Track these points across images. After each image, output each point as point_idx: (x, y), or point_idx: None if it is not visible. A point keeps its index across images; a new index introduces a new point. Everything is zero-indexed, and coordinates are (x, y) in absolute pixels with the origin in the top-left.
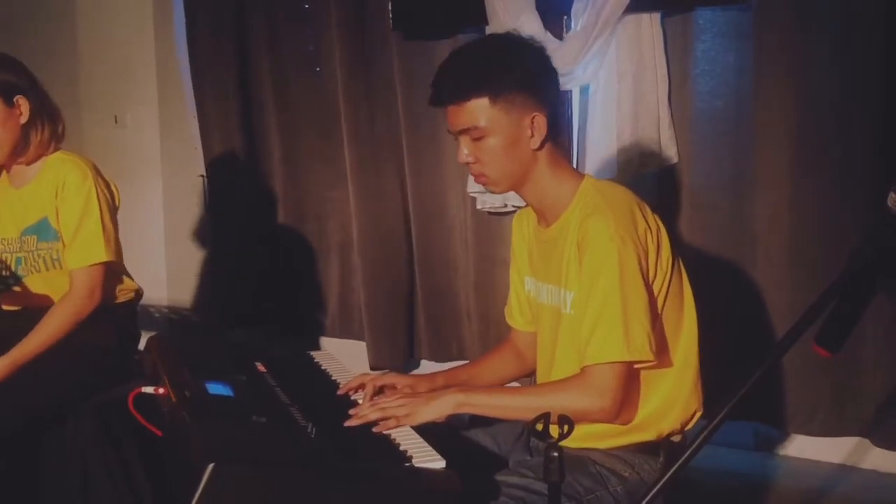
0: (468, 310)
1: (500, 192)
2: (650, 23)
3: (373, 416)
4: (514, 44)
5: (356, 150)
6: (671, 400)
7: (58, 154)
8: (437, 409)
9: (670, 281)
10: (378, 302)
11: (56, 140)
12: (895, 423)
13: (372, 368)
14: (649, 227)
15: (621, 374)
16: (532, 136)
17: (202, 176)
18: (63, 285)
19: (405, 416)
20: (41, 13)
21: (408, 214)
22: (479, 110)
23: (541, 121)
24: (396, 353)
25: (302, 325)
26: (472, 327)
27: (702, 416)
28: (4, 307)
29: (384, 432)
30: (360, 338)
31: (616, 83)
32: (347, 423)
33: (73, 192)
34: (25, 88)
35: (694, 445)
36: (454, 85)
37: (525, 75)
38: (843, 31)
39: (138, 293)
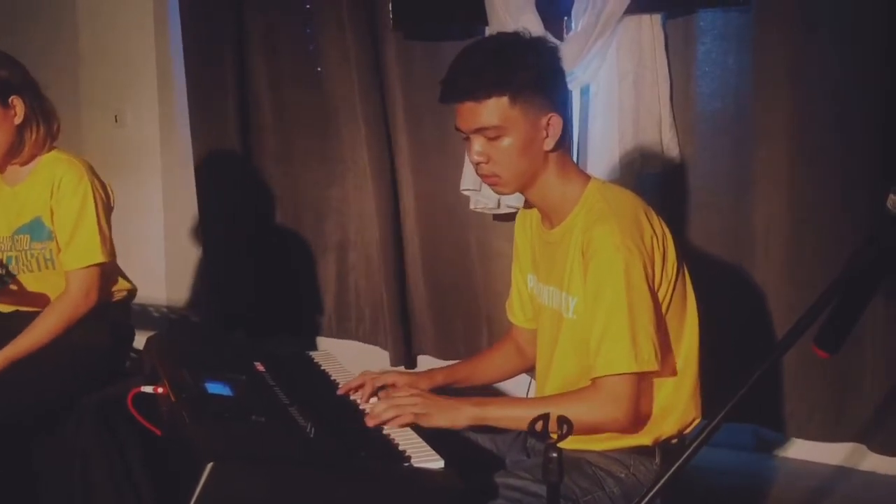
0: (476, 308)
1: (508, 193)
2: (650, 24)
3: (388, 416)
4: (531, 43)
5: (373, 150)
6: (669, 406)
7: (53, 153)
8: (453, 419)
9: (674, 288)
10: (398, 305)
11: (51, 139)
12: (894, 428)
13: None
14: (655, 234)
15: (633, 383)
16: (546, 137)
17: None
18: (57, 285)
19: (423, 414)
20: (42, 12)
21: (416, 213)
22: (497, 109)
23: (556, 122)
24: (410, 353)
25: (299, 326)
26: (481, 326)
27: (700, 421)
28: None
29: (383, 432)
30: (355, 338)
31: (617, 84)
32: (368, 423)
33: (70, 192)
34: (20, 87)
35: (693, 446)
36: (472, 82)
37: (543, 75)
38: (844, 32)
39: (131, 292)
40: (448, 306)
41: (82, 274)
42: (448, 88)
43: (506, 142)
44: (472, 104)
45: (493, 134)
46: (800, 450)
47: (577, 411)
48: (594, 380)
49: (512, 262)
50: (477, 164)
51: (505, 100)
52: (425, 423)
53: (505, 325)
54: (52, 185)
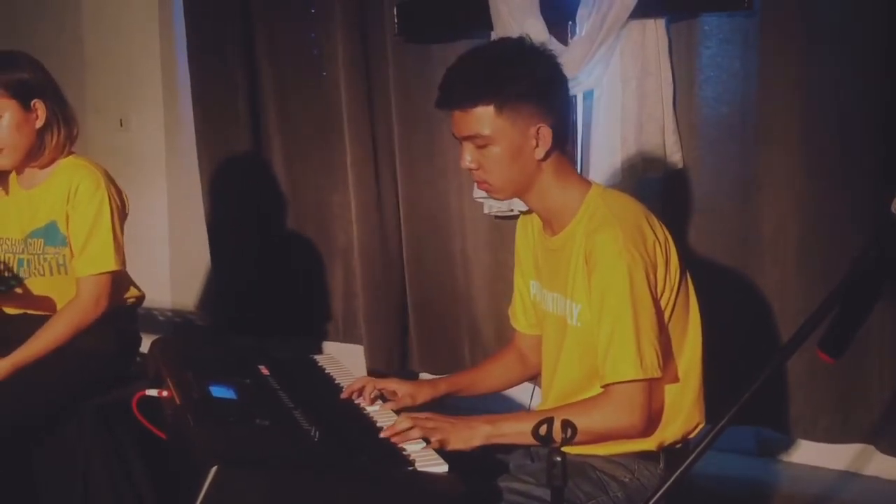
0: (462, 319)
1: (502, 199)
2: (655, 28)
3: (415, 435)
4: (525, 51)
5: (359, 156)
6: (674, 411)
7: (70, 158)
8: (468, 440)
9: (677, 294)
10: (376, 308)
11: (70, 143)
12: None
13: (369, 373)
14: (658, 240)
15: (644, 389)
16: (536, 146)
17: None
18: (68, 291)
19: (443, 439)
20: (46, 17)
21: (402, 221)
22: (484, 118)
23: (546, 132)
24: (392, 361)
25: (305, 329)
26: (467, 337)
27: (704, 426)
28: (5, 309)
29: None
30: (361, 342)
31: (620, 88)
32: (394, 441)
33: (86, 199)
34: (43, 90)
35: (697, 450)
36: (461, 91)
37: (533, 85)
38: (847, 35)
39: (139, 298)
40: (430, 318)
41: (93, 281)
42: (440, 96)
43: (494, 150)
44: (460, 112)
45: (481, 142)
46: (803, 454)
47: (592, 420)
48: (605, 387)
49: (514, 269)
50: (469, 171)
51: (491, 109)
52: (444, 447)
53: (489, 335)
54: (68, 190)
